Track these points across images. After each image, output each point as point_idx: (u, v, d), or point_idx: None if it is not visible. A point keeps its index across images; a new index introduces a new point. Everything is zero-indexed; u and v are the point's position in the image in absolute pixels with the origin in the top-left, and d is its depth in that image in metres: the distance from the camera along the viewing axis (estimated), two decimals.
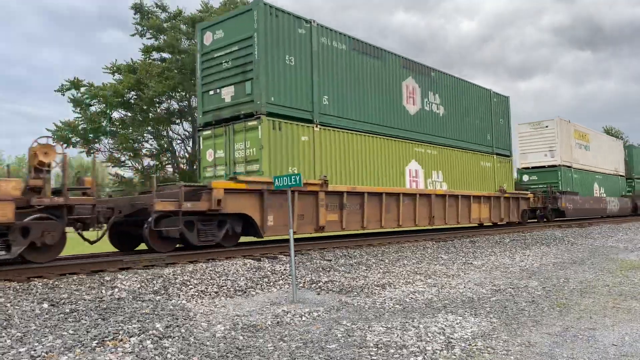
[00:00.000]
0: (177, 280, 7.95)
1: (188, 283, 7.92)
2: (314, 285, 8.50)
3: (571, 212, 27.17)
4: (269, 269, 9.35)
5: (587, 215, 29.82)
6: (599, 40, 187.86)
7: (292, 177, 7.61)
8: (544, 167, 28.27)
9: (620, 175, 37.25)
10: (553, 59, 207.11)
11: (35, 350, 4.54)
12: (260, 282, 8.50)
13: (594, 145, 32.53)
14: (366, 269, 10.22)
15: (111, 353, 4.51)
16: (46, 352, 4.49)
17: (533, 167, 28.75)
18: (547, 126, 28.35)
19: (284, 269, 9.44)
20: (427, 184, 16.90)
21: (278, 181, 7.83)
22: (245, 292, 7.89)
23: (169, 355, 4.52)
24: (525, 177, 28.80)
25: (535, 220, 26.73)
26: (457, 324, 5.82)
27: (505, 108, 22.93)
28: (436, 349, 4.82)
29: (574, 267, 10.90)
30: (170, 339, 4.99)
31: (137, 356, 4.46)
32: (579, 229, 21.82)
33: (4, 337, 4.90)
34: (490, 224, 21.14)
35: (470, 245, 14.74)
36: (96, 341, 4.81)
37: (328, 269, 9.93)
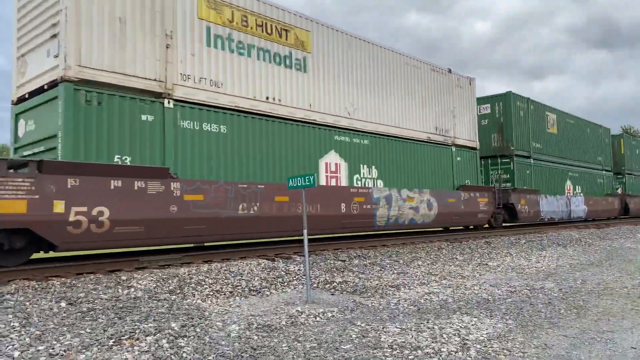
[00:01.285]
0: (192, 280, 8.01)
1: (203, 283, 7.98)
2: (328, 285, 8.50)
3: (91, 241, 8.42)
4: (283, 269, 9.38)
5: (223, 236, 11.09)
6: (615, 40, 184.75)
7: (307, 177, 7.45)
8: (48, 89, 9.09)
9: (463, 147, 18.48)
10: (568, 59, 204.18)
11: (53, 348, 4.60)
12: (275, 282, 8.53)
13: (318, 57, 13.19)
14: (380, 270, 10.19)
15: (127, 352, 4.56)
16: (64, 351, 4.55)
17: (31, 93, 9.62)
18: None
19: (298, 269, 9.46)
20: None
21: (292, 181, 7.71)
22: (259, 292, 7.92)
23: (184, 355, 4.55)
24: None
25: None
26: (472, 325, 5.77)
27: None
28: (451, 351, 4.79)
29: (592, 268, 10.74)
30: (185, 339, 5.03)
31: (153, 355, 4.51)
32: (596, 230, 21.51)
33: (23, 335, 4.98)
34: None
35: (486, 246, 14.61)
36: (113, 340, 4.86)
37: (342, 270, 9.92)
